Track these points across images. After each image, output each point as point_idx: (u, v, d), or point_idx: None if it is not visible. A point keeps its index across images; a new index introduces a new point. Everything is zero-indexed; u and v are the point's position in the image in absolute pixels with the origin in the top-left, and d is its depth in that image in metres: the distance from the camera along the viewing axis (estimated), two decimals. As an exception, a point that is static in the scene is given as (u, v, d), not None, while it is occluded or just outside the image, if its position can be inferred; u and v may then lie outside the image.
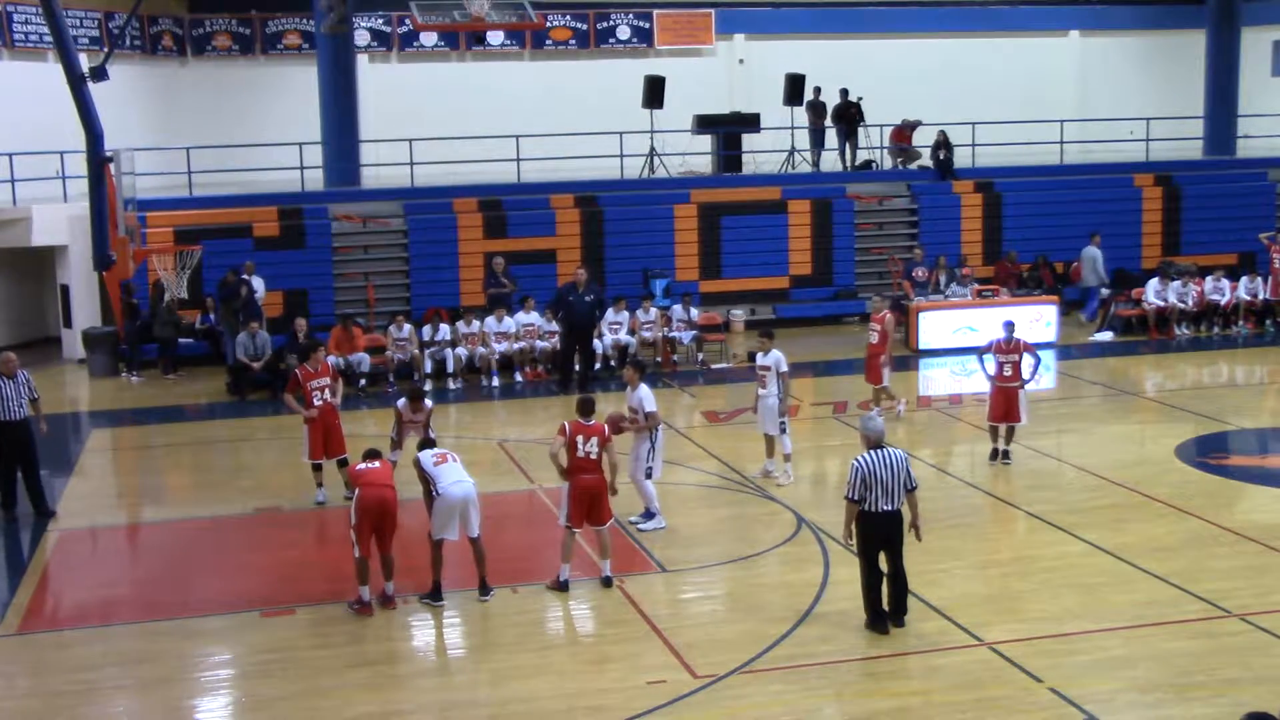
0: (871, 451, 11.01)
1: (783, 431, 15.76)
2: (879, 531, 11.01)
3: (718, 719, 9.78)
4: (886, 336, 18.45)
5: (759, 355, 15.99)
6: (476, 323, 22.23)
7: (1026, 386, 16.38)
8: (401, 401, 14.94)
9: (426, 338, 22.05)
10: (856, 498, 10.96)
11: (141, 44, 30.08)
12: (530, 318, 22.36)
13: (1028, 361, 16.34)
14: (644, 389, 14.07)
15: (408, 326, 21.78)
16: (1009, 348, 16.28)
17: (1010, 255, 26.69)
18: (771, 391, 15.65)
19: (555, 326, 22.19)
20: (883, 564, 11.16)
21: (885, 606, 11.16)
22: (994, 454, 16.39)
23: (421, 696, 10.34)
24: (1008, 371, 16.27)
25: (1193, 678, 10.22)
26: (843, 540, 11.61)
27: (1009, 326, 16.53)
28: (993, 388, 16.43)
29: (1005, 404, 16.26)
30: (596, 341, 22.13)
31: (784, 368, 15.71)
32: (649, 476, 13.98)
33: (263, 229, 24.76)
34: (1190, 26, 33.63)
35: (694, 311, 23.62)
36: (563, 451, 12.49)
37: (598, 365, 22.14)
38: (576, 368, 21.46)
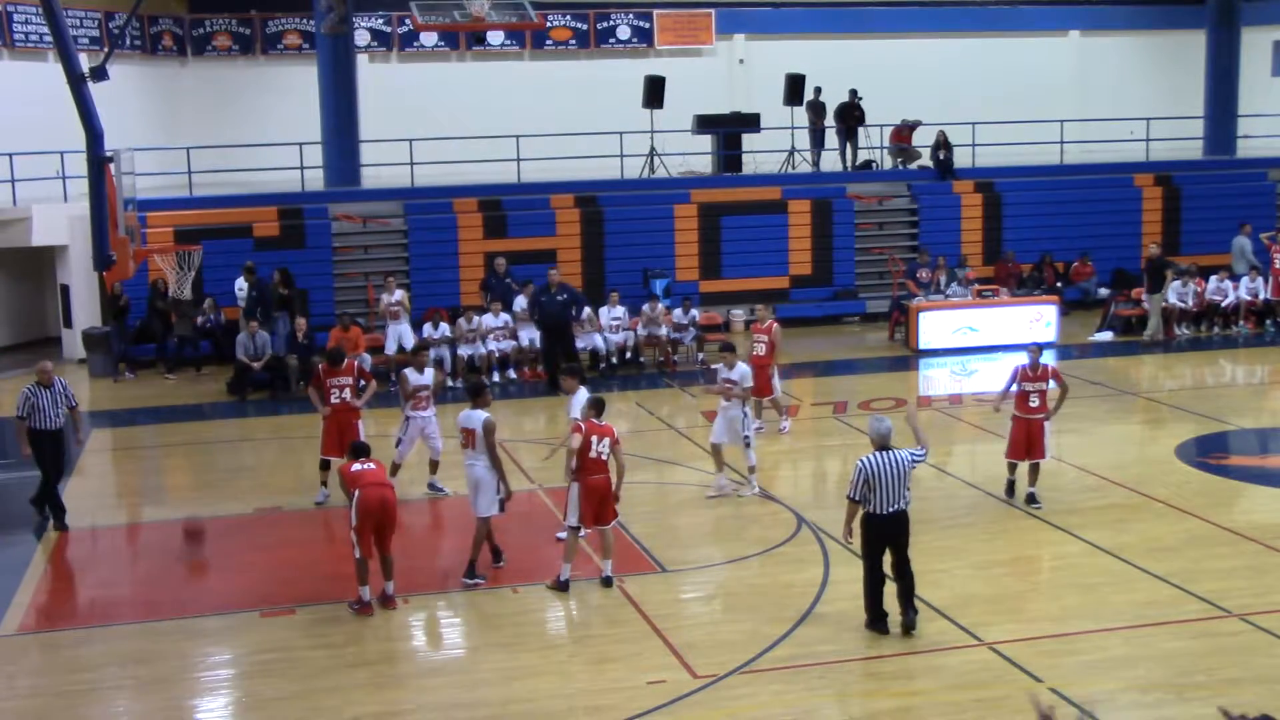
0: (878, 453, 10.97)
1: (748, 445, 15.25)
2: (884, 533, 10.97)
3: (718, 719, 9.78)
4: (774, 347, 17.74)
5: (722, 368, 15.45)
6: (477, 318, 22.23)
7: (1050, 419, 14.65)
8: (407, 369, 15.00)
9: (426, 335, 21.97)
10: (858, 497, 10.92)
11: (141, 44, 30.08)
12: (499, 321, 22.29)
13: (1054, 391, 14.57)
14: (579, 397, 13.62)
15: (399, 292, 21.95)
16: (1036, 374, 14.49)
17: (1008, 255, 26.70)
18: (736, 404, 15.27)
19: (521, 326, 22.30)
20: (886, 567, 11.10)
21: (885, 608, 11.12)
22: (1010, 488, 14.76)
23: (421, 696, 10.34)
24: (1034, 402, 14.45)
25: (1193, 678, 10.22)
26: (842, 539, 11.59)
27: (1036, 350, 14.78)
28: (1014, 420, 14.62)
29: (1027, 438, 14.48)
30: (599, 339, 22.32)
31: (749, 382, 15.36)
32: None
33: (263, 229, 24.76)
34: (1190, 26, 33.62)
35: (694, 313, 23.53)
36: (577, 439, 12.36)
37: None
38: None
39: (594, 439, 12.28)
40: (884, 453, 10.95)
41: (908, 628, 11.03)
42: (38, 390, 14.49)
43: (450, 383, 21.67)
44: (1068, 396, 14.77)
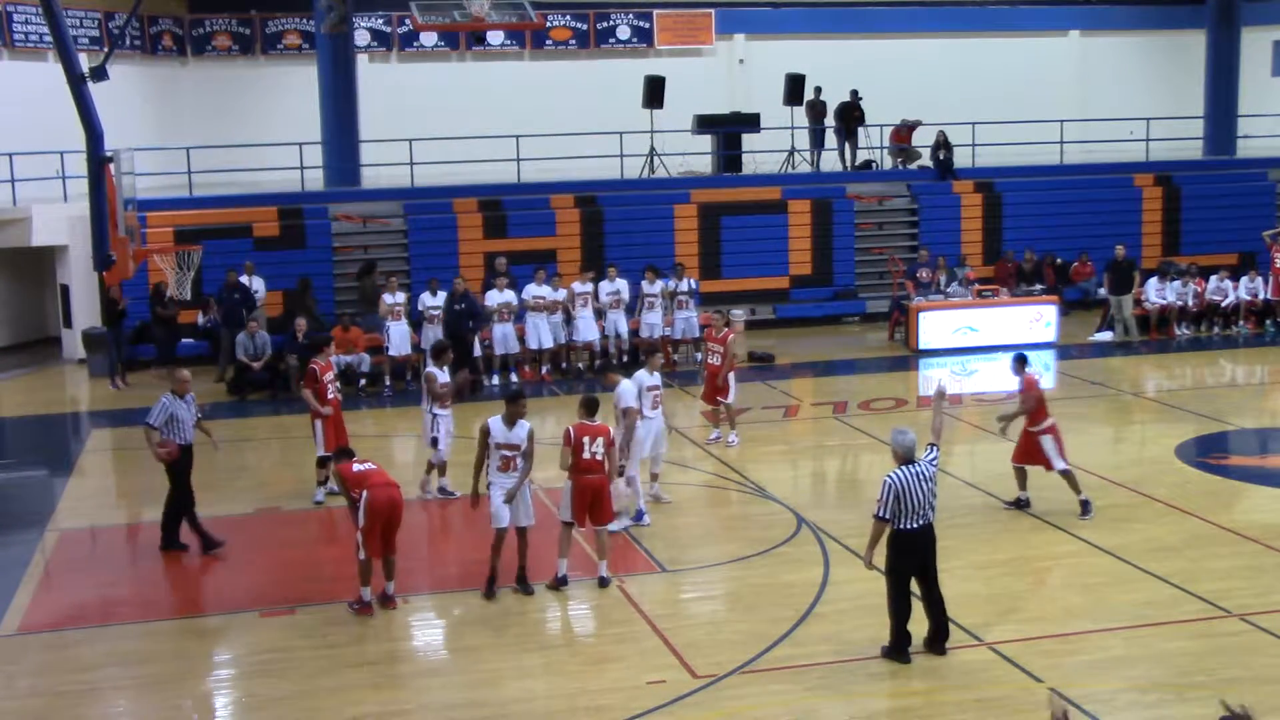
0: (904, 467, 10.44)
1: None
2: (913, 549, 10.45)
3: (718, 719, 9.79)
4: (726, 356, 17.34)
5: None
6: (487, 294, 22.03)
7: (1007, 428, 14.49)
8: (433, 369, 14.98)
9: (424, 305, 21.80)
10: (888, 516, 10.37)
11: (141, 44, 30.08)
12: (542, 290, 22.14)
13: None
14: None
15: (402, 294, 21.77)
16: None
17: (1008, 255, 26.70)
18: (657, 414, 14.71)
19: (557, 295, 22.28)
20: (914, 588, 10.68)
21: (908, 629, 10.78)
22: (1017, 502, 14.46)
23: (422, 696, 10.34)
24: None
25: (1193, 678, 10.22)
26: (865, 561, 10.76)
27: (1020, 361, 14.59)
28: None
29: (1025, 446, 14.38)
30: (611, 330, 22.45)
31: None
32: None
33: (263, 229, 24.76)
34: (1190, 26, 33.63)
35: (689, 281, 23.18)
36: (568, 454, 12.37)
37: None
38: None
39: (585, 439, 12.26)
40: (910, 466, 10.46)
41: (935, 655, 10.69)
42: (174, 400, 13.87)
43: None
44: (1046, 402, 14.38)
